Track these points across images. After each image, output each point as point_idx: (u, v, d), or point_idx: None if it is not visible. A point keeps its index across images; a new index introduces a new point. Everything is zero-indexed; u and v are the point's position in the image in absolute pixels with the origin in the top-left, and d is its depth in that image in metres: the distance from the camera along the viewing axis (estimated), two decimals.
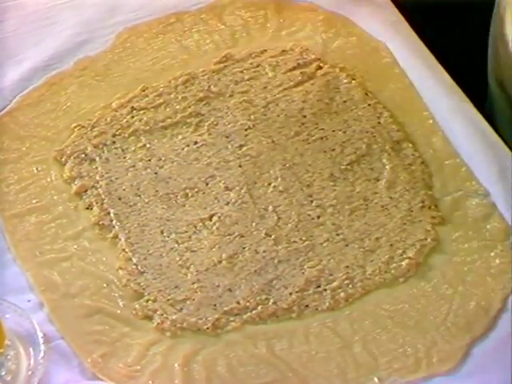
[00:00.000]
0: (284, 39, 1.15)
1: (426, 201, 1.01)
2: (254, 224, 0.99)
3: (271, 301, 0.94)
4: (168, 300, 0.94)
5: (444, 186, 1.02)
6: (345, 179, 1.02)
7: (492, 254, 0.97)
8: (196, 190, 1.01)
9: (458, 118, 1.07)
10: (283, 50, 1.13)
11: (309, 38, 1.14)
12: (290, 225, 0.99)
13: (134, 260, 0.96)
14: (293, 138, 1.05)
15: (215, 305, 0.94)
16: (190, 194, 1.01)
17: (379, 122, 1.06)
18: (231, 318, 0.93)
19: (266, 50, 1.13)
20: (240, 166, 1.03)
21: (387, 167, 1.03)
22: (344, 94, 1.09)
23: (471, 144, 1.05)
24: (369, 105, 1.08)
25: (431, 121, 1.07)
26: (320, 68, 1.11)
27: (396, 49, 1.13)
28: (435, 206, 1.00)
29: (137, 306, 0.93)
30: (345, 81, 1.10)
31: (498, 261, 0.97)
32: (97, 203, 1.00)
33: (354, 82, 1.10)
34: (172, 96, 1.08)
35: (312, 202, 1.01)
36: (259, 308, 0.93)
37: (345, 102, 1.08)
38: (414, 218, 0.99)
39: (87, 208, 1.00)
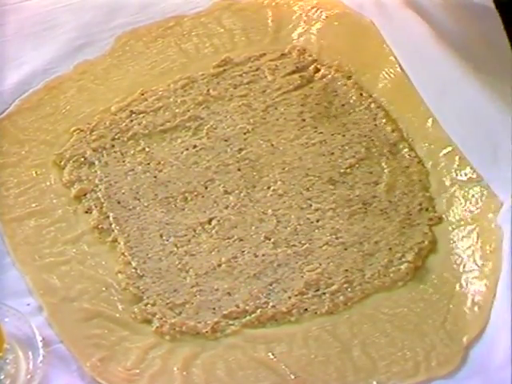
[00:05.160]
0: (283, 42, 1.15)
1: (424, 203, 1.01)
2: (253, 227, 0.99)
3: (270, 304, 0.94)
4: (167, 304, 0.94)
5: (440, 183, 1.01)
6: (344, 183, 1.03)
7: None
8: (195, 193, 1.01)
9: (449, 100, 1.03)
10: (282, 54, 1.13)
11: (304, 34, 1.14)
12: (289, 228, 0.99)
13: (133, 264, 0.96)
14: (292, 142, 1.06)
15: (214, 308, 0.93)
16: (189, 198, 1.01)
17: (375, 125, 1.07)
18: (230, 322, 0.93)
19: (265, 54, 1.13)
20: (239, 170, 1.03)
21: (386, 171, 1.03)
22: (342, 97, 1.09)
23: (464, 128, 1.01)
24: (365, 107, 1.08)
25: (422, 107, 1.04)
26: (318, 70, 1.12)
27: (382, 26, 1.11)
28: (432, 207, 1.00)
29: (136, 309, 0.93)
30: (341, 82, 1.10)
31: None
32: (96, 207, 1.00)
33: (349, 81, 1.10)
34: (171, 100, 1.08)
35: (311, 205, 1.01)
36: (258, 311, 0.93)
37: (343, 105, 1.09)
38: (412, 221, 0.99)
39: (86, 212, 1.00)
